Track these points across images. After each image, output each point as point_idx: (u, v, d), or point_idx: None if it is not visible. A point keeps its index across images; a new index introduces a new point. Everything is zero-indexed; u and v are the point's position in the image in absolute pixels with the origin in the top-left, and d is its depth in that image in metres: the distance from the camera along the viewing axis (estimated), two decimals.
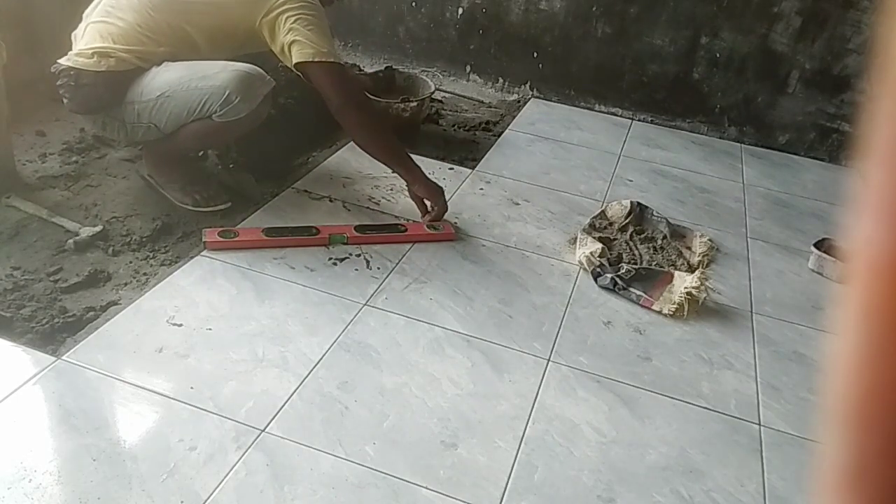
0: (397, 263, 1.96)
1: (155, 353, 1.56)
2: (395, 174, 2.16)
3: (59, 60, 1.92)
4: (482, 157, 2.63)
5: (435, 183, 2.15)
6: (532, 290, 1.93)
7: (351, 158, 2.48)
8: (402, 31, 3.32)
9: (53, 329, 1.58)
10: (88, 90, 1.91)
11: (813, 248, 2.20)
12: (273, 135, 2.24)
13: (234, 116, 1.89)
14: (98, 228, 1.91)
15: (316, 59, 1.92)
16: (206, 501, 1.25)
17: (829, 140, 2.94)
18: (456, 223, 2.17)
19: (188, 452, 1.34)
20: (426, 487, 1.33)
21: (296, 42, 1.92)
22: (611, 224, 2.27)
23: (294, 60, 1.93)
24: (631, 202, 2.30)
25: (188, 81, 1.88)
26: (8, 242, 1.86)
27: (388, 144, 2.10)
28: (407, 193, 2.21)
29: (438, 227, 2.10)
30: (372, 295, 1.82)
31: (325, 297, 1.80)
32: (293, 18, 1.93)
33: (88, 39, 1.93)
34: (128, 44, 1.91)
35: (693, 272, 2.02)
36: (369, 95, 2.60)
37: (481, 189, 2.41)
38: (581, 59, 3.10)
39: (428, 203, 2.15)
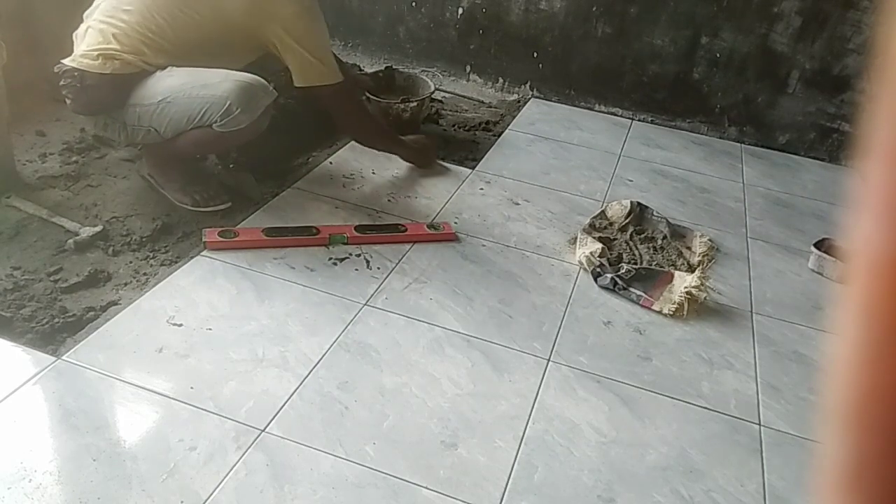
0: (397, 263, 1.96)
1: (155, 353, 1.56)
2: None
3: (63, 61, 1.92)
4: (482, 157, 2.63)
5: (420, 145, 2.47)
6: (532, 290, 1.93)
7: (351, 158, 2.48)
8: (402, 31, 3.32)
9: (53, 329, 1.58)
10: (93, 91, 1.91)
11: (813, 248, 2.20)
12: (273, 135, 2.23)
13: (234, 127, 1.88)
14: (98, 228, 1.91)
15: (316, 84, 2.04)
16: (206, 501, 1.25)
17: (829, 140, 2.94)
18: (456, 223, 2.17)
19: (188, 452, 1.34)
20: (426, 487, 1.33)
21: (296, 63, 2.01)
22: (611, 224, 2.27)
23: (296, 83, 2.04)
24: (631, 202, 2.30)
25: (190, 89, 1.88)
26: (8, 242, 1.86)
27: (386, 141, 2.39)
28: (407, 195, 2.23)
29: (438, 227, 2.11)
30: (372, 295, 1.82)
31: (325, 297, 1.80)
32: (291, 30, 1.96)
33: (91, 41, 1.92)
34: (131, 45, 1.90)
35: (693, 272, 2.02)
36: (369, 95, 2.61)
37: (481, 189, 2.41)
38: (581, 59, 3.10)
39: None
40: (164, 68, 1.92)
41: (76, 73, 1.89)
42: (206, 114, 1.87)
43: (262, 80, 1.94)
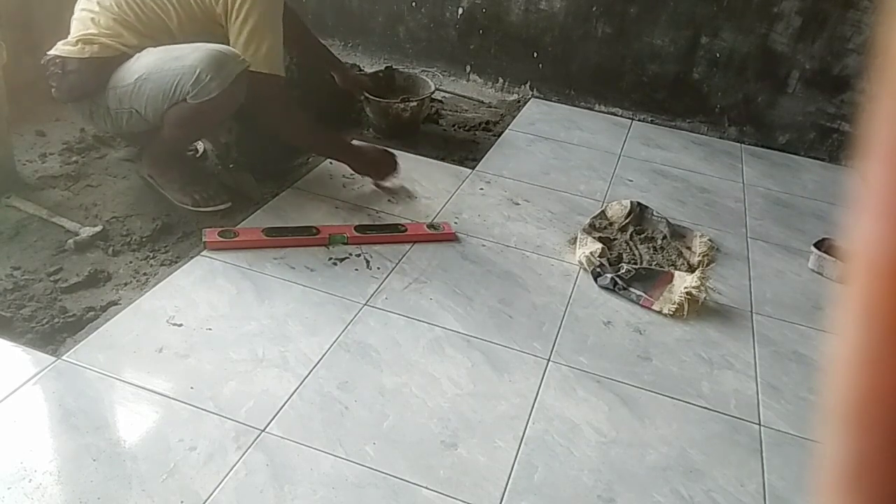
0: (397, 263, 1.96)
1: (155, 353, 1.56)
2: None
3: (48, 52, 1.96)
4: (482, 157, 2.63)
5: (373, 153, 2.31)
6: (532, 290, 1.93)
7: None
8: (402, 31, 3.32)
9: (53, 329, 1.58)
10: (73, 77, 1.94)
11: (813, 248, 2.20)
12: (273, 135, 2.23)
13: (206, 96, 1.87)
14: (98, 228, 1.91)
15: (251, 69, 1.97)
16: (206, 501, 1.25)
17: (829, 140, 2.94)
18: (456, 223, 2.17)
19: (188, 452, 1.34)
20: (426, 487, 1.33)
21: (239, 42, 1.96)
22: (611, 224, 2.27)
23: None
24: (631, 202, 2.30)
25: (163, 63, 1.89)
26: (8, 242, 1.86)
27: (325, 148, 2.31)
28: (407, 194, 2.23)
29: (438, 227, 2.11)
30: (372, 295, 1.82)
31: (325, 297, 1.80)
32: (245, 7, 1.94)
33: (73, 30, 1.97)
34: (109, 28, 1.94)
35: (693, 272, 2.02)
36: (368, 95, 2.61)
37: (481, 189, 2.41)
38: (581, 59, 3.10)
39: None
40: (142, 50, 1.95)
41: (58, 61, 1.94)
42: (179, 86, 1.87)
43: (234, 50, 1.93)
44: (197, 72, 1.85)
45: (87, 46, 1.92)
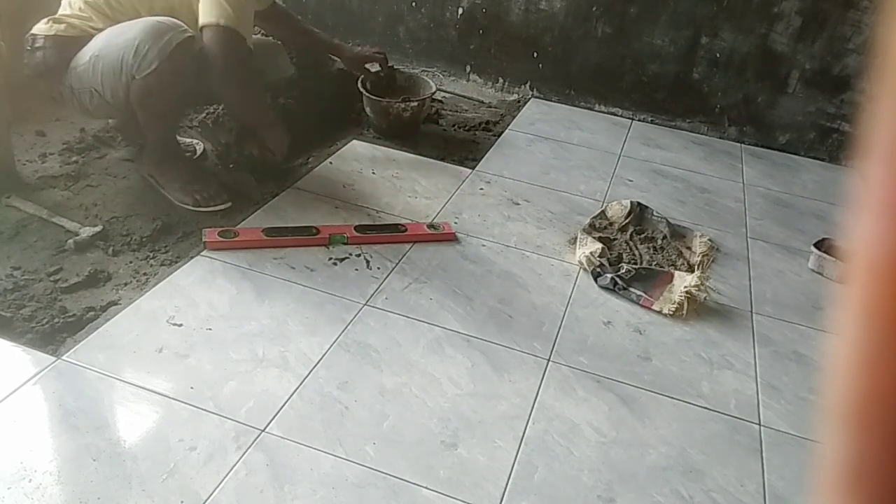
0: (397, 263, 1.96)
1: (155, 353, 1.56)
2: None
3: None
4: (482, 157, 2.63)
5: (271, 125, 2.20)
6: (532, 290, 1.93)
7: (351, 158, 2.48)
8: (402, 31, 3.32)
9: (53, 329, 1.58)
10: (39, 53, 1.97)
11: (813, 248, 2.20)
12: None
13: (148, 69, 1.86)
14: (98, 228, 1.92)
15: (208, 23, 1.94)
16: (206, 501, 1.25)
17: (829, 140, 2.94)
18: (456, 223, 2.17)
19: (188, 452, 1.34)
20: (426, 487, 1.33)
21: (205, 6, 1.95)
22: (611, 224, 2.27)
23: (200, 22, 1.96)
24: (631, 202, 2.30)
25: (111, 39, 1.91)
26: (8, 242, 1.86)
27: (253, 107, 2.18)
28: (407, 195, 2.23)
29: (438, 227, 2.11)
30: (372, 295, 1.82)
31: (325, 297, 1.80)
32: None
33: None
34: (80, 10, 1.97)
35: (693, 272, 2.02)
36: (364, 92, 2.60)
37: (481, 189, 2.41)
38: (581, 59, 3.10)
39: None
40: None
41: (29, 38, 1.98)
42: (124, 61, 1.87)
43: (176, 21, 1.91)
44: (136, 43, 1.85)
45: (55, 25, 1.96)
